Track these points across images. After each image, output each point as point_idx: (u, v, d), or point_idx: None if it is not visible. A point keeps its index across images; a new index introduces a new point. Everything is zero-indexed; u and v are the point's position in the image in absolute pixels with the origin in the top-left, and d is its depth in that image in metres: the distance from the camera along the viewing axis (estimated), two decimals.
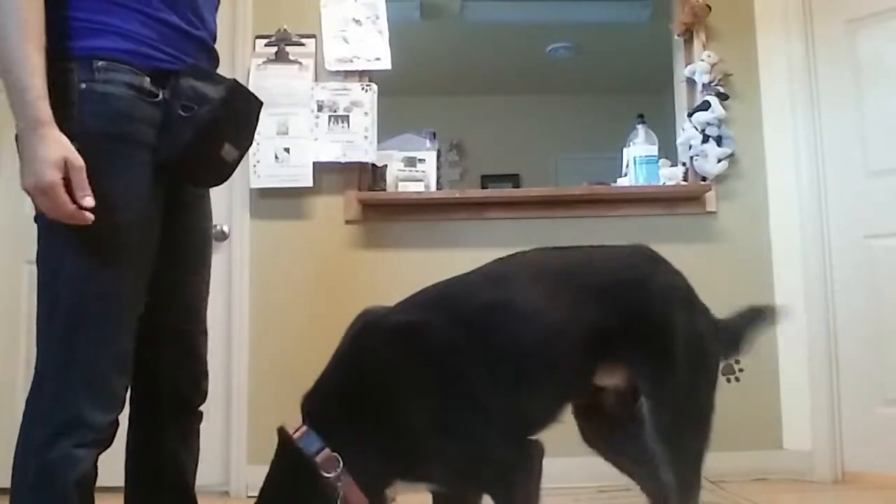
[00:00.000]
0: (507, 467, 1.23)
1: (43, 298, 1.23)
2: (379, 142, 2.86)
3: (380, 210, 2.84)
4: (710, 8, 2.90)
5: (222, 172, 1.36)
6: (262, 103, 1.41)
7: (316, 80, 2.83)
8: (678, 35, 3.01)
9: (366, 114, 2.81)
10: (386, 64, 2.89)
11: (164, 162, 1.27)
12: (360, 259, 2.83)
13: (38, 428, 1.20)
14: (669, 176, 2.86)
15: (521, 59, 5.14)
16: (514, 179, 5.72)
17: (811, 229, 2.78)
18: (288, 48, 2.80)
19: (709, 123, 2.82)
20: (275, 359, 2.71)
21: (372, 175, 2.87)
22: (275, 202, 2.79)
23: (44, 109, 1.13)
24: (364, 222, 2.83)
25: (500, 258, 1.40)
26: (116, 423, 1.26)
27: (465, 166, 5.86)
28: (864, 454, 2.64)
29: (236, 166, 1.38)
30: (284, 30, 2.80)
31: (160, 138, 1.26)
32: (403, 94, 4.06)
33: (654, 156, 2.86)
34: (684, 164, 2.91)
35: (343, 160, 2.80)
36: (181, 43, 1.31)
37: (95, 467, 1.23)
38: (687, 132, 2.87)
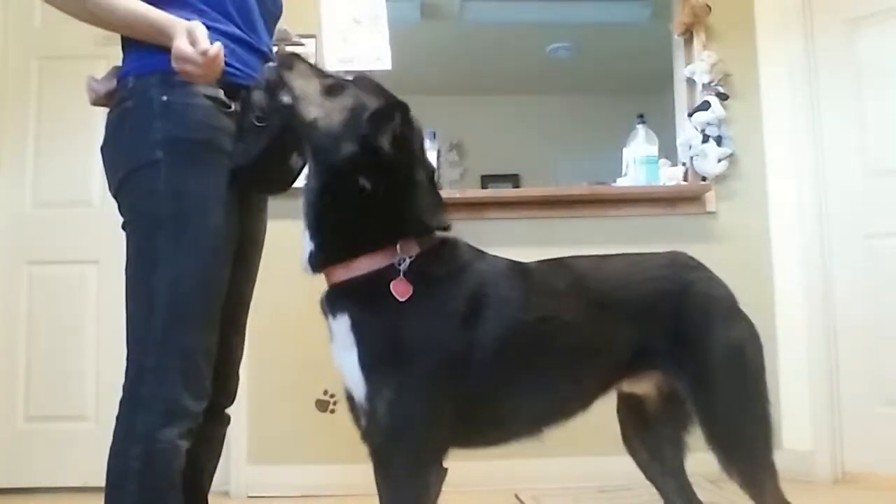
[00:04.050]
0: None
1: (137, 294, 1.29)
2: None
3: None
4: (710, 8, 2.90)
5: (287, 180, 1.45)
6: None
7: None
8: (678, 35, 3.01)
9: None
10: (386, 64, 2.88)
11: (238, 169, 1.35)
12: None
13: (143, 416, 1.24)
14: (669, 176, 2.86)
15: (521, 59, 5.14)
16: (514, 179, 5.73)
17: (811, 229, 2.78)
18: (288, 48, 2.80)
19: (709, 123, 2.82)
20: (275, 359, 2.71)
21: None
22: (275, 201, 2.78)
23: (163, 17, 1.25)
24: None
25: (543, 262, 1.38)
26: (210, 414, 1.33)
27: (465, 166, 5.86)
28: (864, 454, 2.64)
29: (298, 175, 1.45)
30: (284, 30, 2.81)
31: (235, 147, 1.35)
32: (403, 94, 4.06)
33: (654, 156, 2.86)
34: (684, 164, 2.91)
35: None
36: (246, 55, 1.40)
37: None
38: (687, 132, 2.87)
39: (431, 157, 2.96)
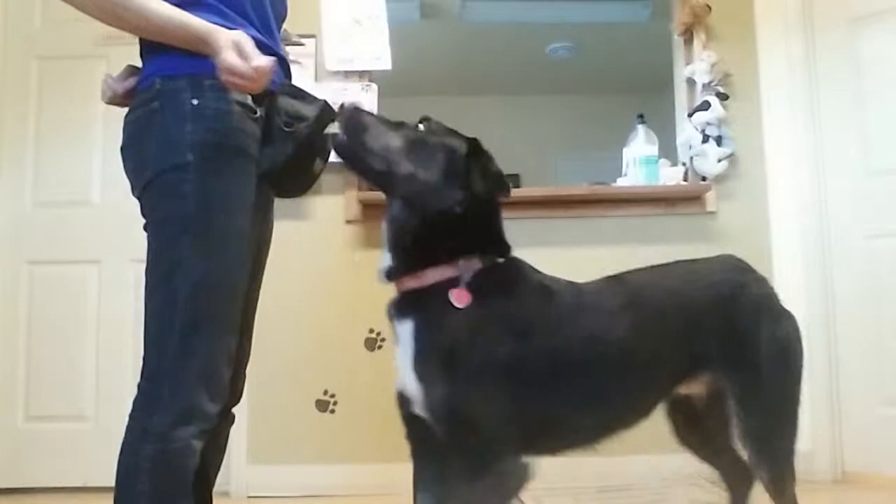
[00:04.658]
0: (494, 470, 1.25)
1: (159, 294, 1.29)
2: None
3: (380, 210, 2.79)
4: (710, 8, 2.90)
5: (308, 184, 1.50)
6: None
7: (316, 80, 2.83)
8: (678, 35, 3.01)
9: None
10: (386, 64, 2.89)
11: (265, 173, 1.38)
12: (360, 259, 2.83)
13: (158, 416, 1.24)
14: (669, 176, 2.86)
15: (521, 59, 5.14)
16: (514, 179, 5.68)
17: (811, 229, 2.78)
18: (288, 48, 2.79)
19: (709, 123, 2.82)
20: (274, 359, 2.71)
21: None
22: (275, 202, 2.79)
23: (203, 25, 1.25)
24: (364, 222, 2.83)
25: (600, 280, 1.45)
26: (220, 415, 1.34)
27: None
28: (864, 454, 2.64)
29: (318, 178, 1.51)
30: (284, 30, 2.81)
31: (262, 151, 1.37)
32: (403, 94, 4.05)
33: (654, 156, 2.86)
34: (684, 164, 2.91)
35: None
36: None
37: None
38: (687, 132, 2.87)
39: None
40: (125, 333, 2.79)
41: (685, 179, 2.89)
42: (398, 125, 1.38)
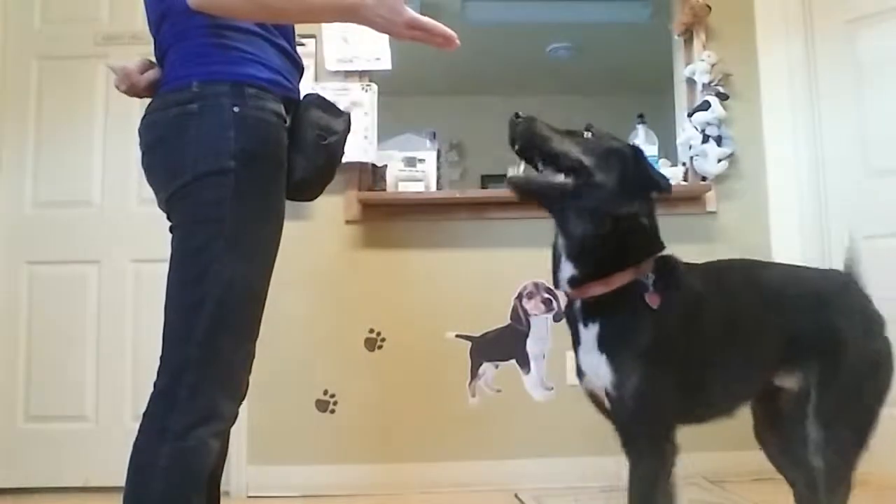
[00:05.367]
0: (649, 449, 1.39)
1: (184, 296, 1.30)
2: (379, 142, 2.86)
3: (380, 210, 2.84)
4: (710, 8, 2.90)
5: (322, 191, 1.54)
6: None
7: (316, 80, 2.83)
8: (678, 35, 3.01)
9: (366, 114, 2.81)
10: (386, 64, 2.89)
11: (298, 182, 1.42)
12: (360, 259, 2.83)
13: (178, 416, 1.24)
14: (669, 176, 2.85)
15: (521, 59, 5.14)
16: None
17: (811, 229, 2.78)
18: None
19: (709, 123, 2.82)
20: (274, 359, 2.71)
21: (372, 175, 2.87)
22: None
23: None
24: (364, 222, 2.84)
25: (725, 262, 1.60)
26: (237, 415, 1.36)
27: (465, 166, 5.86)
28: (865, 454, 2.63)
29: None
30: None
31: (295, 160, 1.40)
32: (403, 94, 4.06)
33: (654, 156, 2.86)
34: (684, 164, 2.91)
35: (343, 160, 2.80)
36: (291, 68, 1.44)
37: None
38: (687, 132, 2.87)
39: (431, 157, 2.98)
40: (125, 333, 2.79)
41: (685, 179, 2.89)
42: (570, 133, 1.43)
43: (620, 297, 1.37)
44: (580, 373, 1.45)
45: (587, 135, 1.42)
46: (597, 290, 1.37)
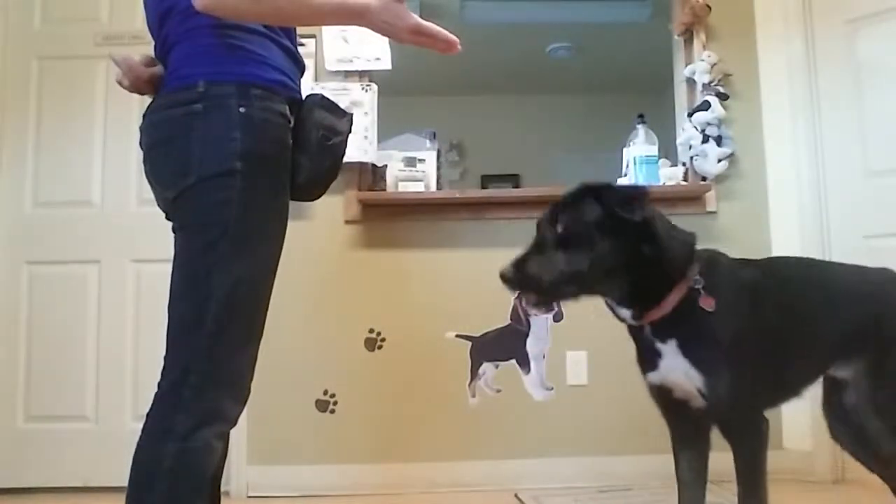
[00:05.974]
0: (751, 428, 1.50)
1: (190, 297, 1.29)
2: (379, 142, 2.87)
3: (380, 210, 2.84)
4: (710, 8, 2.90)
5: (324, 192, 1.54)
6: None
7: (316, 79, 2.84)
8: (678, 35, 3.01)
9: (366, 114, 2.81)
10: (386, 64, 2.89)
11: (302, 183, 1.42)
12: (360, 259, 2.83)
13: (183, 416, 1.24)
14: (669, 176, 2.86)
15: (521, 59, 5.14)
16: (514, 179, 5.72)
17: (811, 229, 2.78)
18: None
19: (709, 123, 2.82)
20: (274, 359, 2.70)
21: (372, 175, 2.87)
22: None
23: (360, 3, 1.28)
24: (364, 222, 2.84)
25: (779, 259, 1.73)
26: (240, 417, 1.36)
27: (465, 166, 5.86)
28: None
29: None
30: None
31: (299, 161, 1.40)
32: (403, 94, 4.05)
33: (654, 156, 2.86)
34: (684, 164, 2.91)
35: (343, 160, 2.80)
36: (294, 68, 1.44)
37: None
38: (687, 132, 2.87)
39: (431, 157, 2.99)
40: (125, 333, 2.79)
41: (685, 179, 2.89)
42: (542, 240, 1.48)
43: (683, 309, 1.45)
44: (648, 370, 1.53)
45: (559, 228, 1.47)
46: (656, 315, 1.45)
